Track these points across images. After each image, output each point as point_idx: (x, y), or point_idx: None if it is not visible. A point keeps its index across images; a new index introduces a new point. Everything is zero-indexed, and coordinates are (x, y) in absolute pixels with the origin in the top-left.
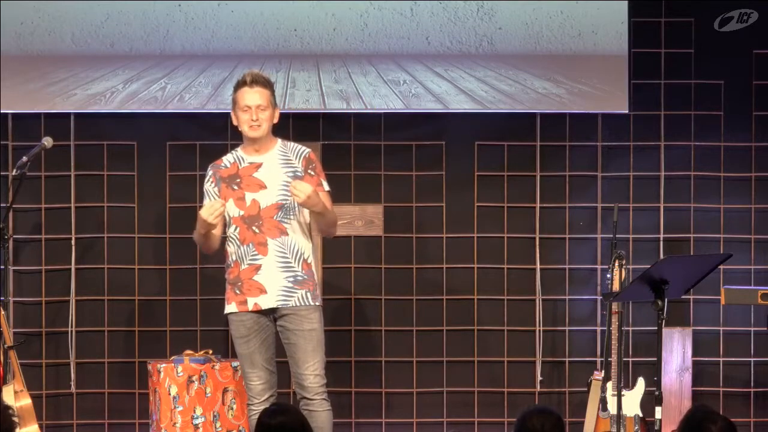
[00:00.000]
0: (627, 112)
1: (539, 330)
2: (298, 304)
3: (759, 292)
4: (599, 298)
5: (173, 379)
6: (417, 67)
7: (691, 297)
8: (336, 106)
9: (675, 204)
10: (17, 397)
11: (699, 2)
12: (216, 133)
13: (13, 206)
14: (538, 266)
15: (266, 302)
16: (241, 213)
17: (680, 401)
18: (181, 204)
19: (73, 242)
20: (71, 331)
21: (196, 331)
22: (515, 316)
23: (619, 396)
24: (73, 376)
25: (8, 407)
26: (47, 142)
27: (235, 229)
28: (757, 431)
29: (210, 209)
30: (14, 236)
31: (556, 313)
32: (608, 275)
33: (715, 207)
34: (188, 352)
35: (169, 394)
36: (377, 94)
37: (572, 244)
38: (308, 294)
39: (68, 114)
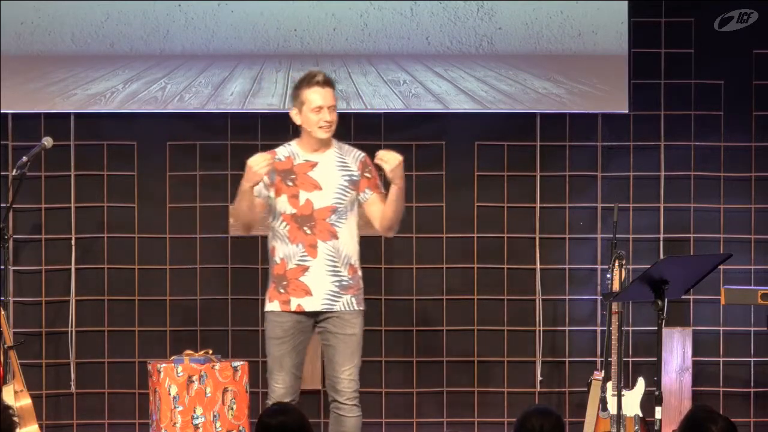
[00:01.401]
0: (627, 112)
1: (539, 330)
2: (343, 308)
3: (759, 292)
4: (599, 298)
5: (173, 379)
6: (417, 67)
7: (691, 297)
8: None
9: (675, 204)
10: (17, 397)
11: (699, 2)
12: (216, 133)
13: (13, 206)
14: (538, 266)
15: (311, 305)
16: (294, 211)
17: (680, 401)
18: (181, 204)
19: (73, 242)
20: (71, 331)
21: (196, 331)
22: (515, 316)
23: (619, 396)
24: (73, 376)
25: (8, 407)
26: (47, 142)
27: (285, 227)
28: (757, 431)
29: (260, 158)
30: (14, 236)
31: (556, 313)
32: (608, 275)
33: (715, 207)
34: (188, 352)
35: (169, 394)
36: (377, 94)
37: (572, 244)
38: (353, 299)
39: (68, 114)
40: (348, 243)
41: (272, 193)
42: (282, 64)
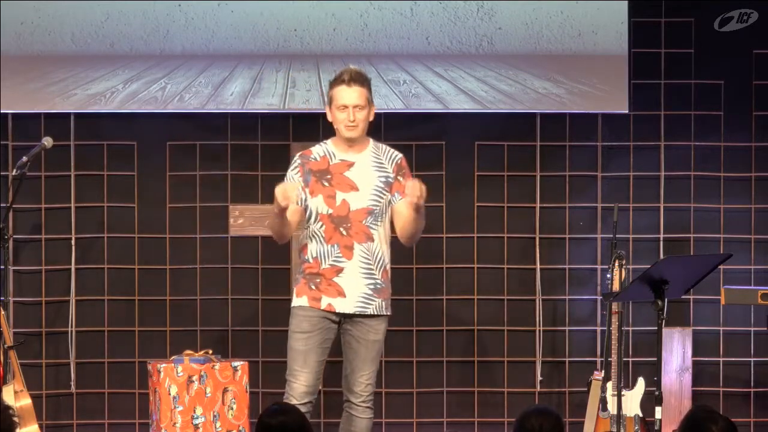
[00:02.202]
0: (627, 112)
1: (539, 330)
2: (374, 313)
3: (759, 292)
4: (599, 298)
5: (173, 379)
6: (417, 67)
7: (691, 297)
8: None
9: (675, 204)
10: (17, 397)
11: (699, 2)
12: (216, 133)
13: (13, 206)
14: (538, 266)
15: (343, 306)
16: (330, 212)
17: (680, 401)
18: (181, 204)
19: (73, 242)
20: (71, 331)
21: (196, 331)
22: (515, 316)
23: (619, 396)
24: (73, 376)
25: (8, 407)
26: (47, 142)
27: (321, 227)
28: (757, 431)
29: (284, 188)
30: (14, 236)
31: (556, 313)
32: (608, 275)
33: (715, 207)
34: (188, 352)
35: (169, 394)
36: (377, 94)
37: (572, 244)
38: (383, 303)
39: (68, 114)
40: (382, 246)
41: (307, 194)
42: (282, 64)
